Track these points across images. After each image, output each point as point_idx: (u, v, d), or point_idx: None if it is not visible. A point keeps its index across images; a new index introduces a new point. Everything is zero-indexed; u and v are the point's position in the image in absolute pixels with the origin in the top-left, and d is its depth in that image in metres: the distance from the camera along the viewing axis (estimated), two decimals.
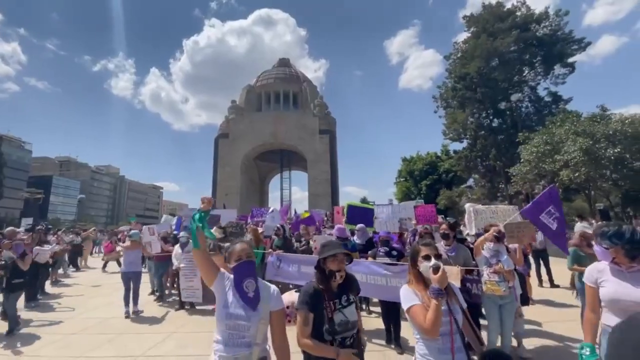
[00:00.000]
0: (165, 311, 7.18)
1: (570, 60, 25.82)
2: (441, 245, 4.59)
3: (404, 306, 1.97)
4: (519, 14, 27.28)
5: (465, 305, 2.05)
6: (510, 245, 4.49)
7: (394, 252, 5.27)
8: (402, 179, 44.47)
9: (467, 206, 6.74)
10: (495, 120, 29.08)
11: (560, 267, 9.77)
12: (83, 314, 7.19)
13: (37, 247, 8.27)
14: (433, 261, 1.93)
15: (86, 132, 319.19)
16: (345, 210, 8.57)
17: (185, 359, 4.72)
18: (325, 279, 2.17)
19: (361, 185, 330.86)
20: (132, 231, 7.88)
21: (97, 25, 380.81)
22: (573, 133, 15.09)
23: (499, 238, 4.20)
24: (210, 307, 6.58)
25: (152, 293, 8.50)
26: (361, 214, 8.11)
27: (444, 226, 4.74)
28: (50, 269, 9.75)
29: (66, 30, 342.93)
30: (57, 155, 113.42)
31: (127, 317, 6.63)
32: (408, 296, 1.98)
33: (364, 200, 50.12)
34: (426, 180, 38.77)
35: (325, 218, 12.76)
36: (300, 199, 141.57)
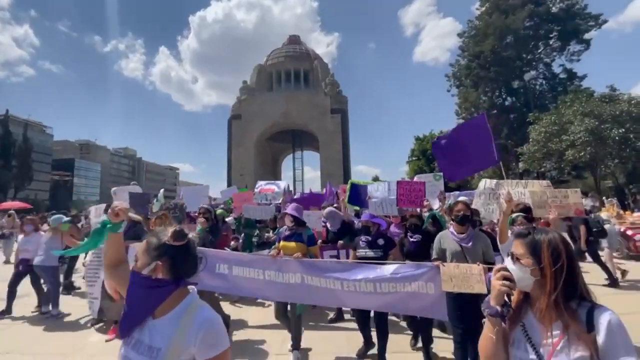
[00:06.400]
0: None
1: (586, 36, 25.26)
2: (450, 232, 3.44)
3: None
4: None
5: None
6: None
7: (380, 242, 3.90)
8: (414, 158, 44.77)
9: (486, 183, 4.63)
10: (509, 98, 29.04)
11: None
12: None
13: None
14: None
15: (101, 114, 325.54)
16: (348, 188, 7.32)
17: None
18: None
19: (373, 164, 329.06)
20: (53, 217, 6.32)
21: (105, 3, 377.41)
22: (580, 114, 15.44)
23: (528, 218, 3.45)
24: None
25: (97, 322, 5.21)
26: (364, 193, 7.00)
27: (460, 206, 3.39)
28: None
29: (75, 10, 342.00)
30: (77, 139, 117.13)
31: (55, 316, 5.45)
32: None
33: (375, 179, 50.66)
34: None
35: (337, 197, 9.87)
36: (312, 178, 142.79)
